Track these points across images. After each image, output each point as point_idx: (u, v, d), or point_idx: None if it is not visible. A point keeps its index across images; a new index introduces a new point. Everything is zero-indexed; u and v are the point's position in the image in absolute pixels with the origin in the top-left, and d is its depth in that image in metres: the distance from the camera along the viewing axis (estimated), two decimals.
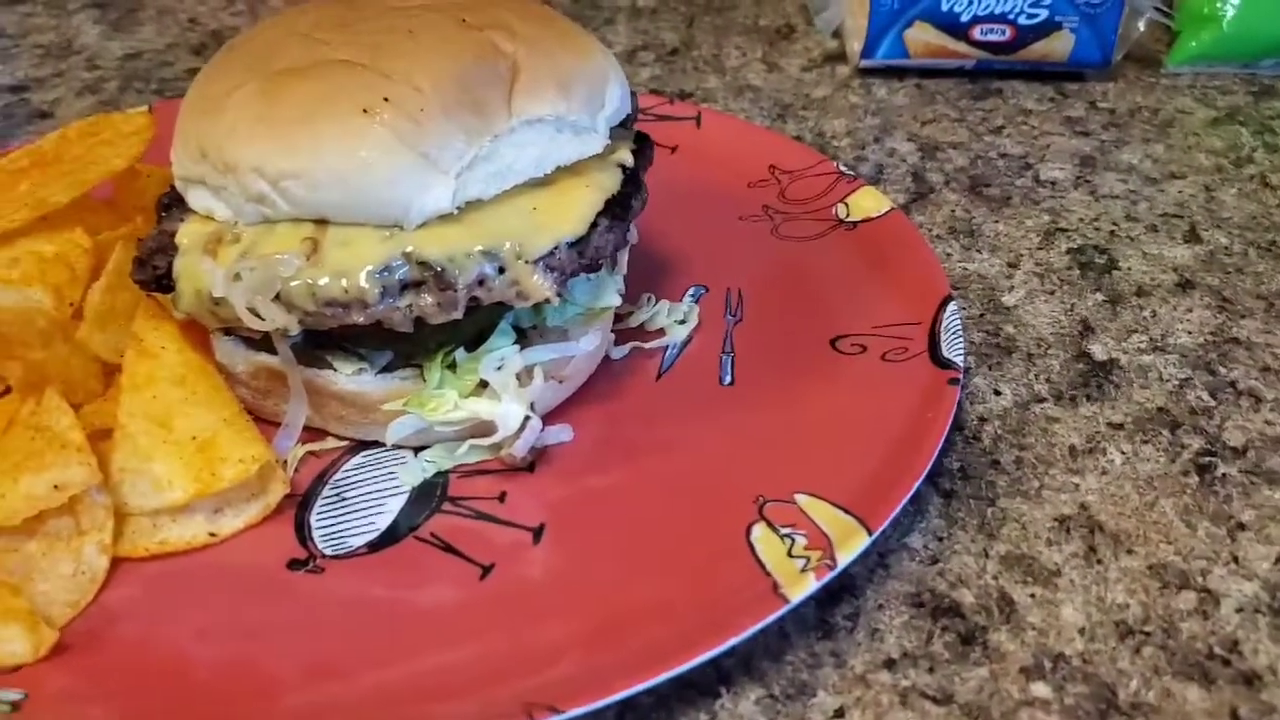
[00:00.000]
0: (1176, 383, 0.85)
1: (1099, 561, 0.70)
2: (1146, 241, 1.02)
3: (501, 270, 0.69)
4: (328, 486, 0.73)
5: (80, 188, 0.84)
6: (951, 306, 0.84)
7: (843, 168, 1.03)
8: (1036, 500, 0.74)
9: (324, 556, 0.68)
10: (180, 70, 1.35)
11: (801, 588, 0.62)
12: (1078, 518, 0.73)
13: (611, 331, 0.84)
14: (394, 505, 0.72)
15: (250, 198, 0.70)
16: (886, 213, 0.97)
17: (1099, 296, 0.95)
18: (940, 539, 0.71)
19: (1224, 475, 0.76)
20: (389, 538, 0.69)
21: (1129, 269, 0.99)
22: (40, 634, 0.61)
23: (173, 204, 0.78)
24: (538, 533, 0.70)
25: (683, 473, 0.74)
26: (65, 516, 0.67)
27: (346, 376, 0.73)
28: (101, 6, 1.52)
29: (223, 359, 0.76)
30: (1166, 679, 0.62)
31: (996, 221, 1.05)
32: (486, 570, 0.67)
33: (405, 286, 0.68)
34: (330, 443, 0.76)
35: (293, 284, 0.68)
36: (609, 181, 0.77)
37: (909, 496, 0.68)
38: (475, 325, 0.73)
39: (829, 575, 0.63)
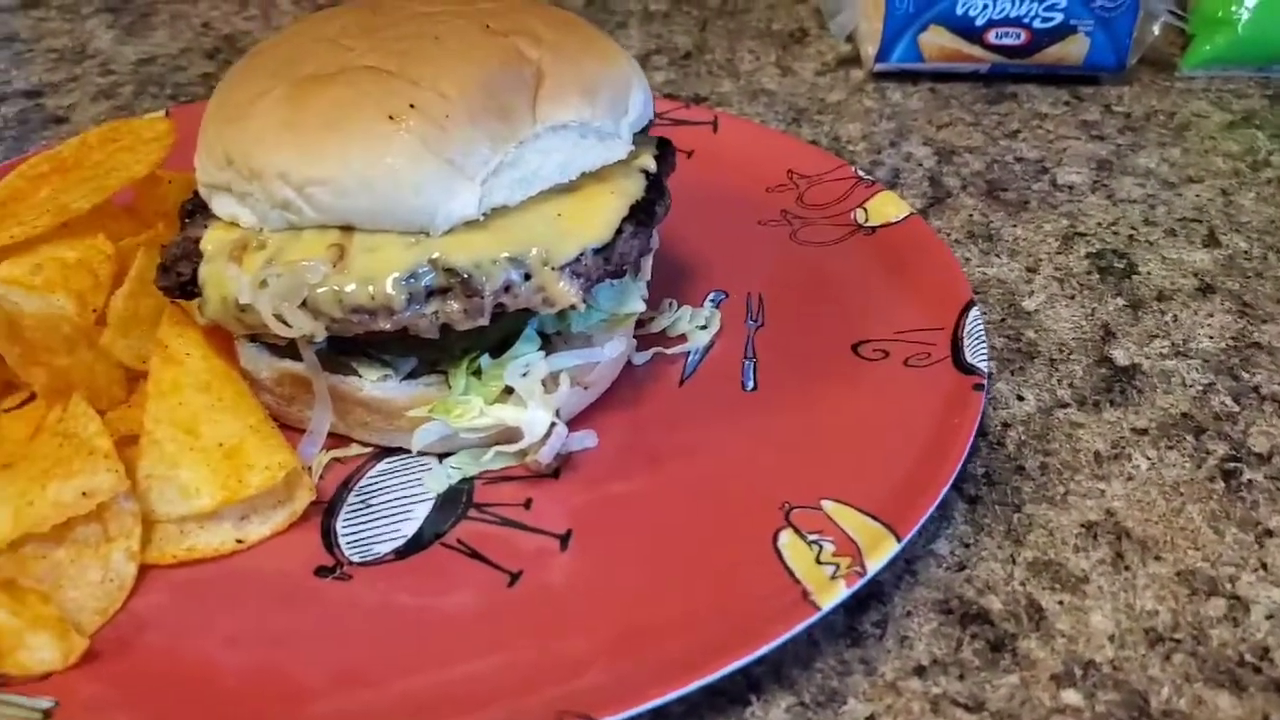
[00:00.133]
0: (1200, 388, 0.85)
1: (1127, 568, 0.70)
2: (1165, 246, 1.02)
3: (527, 277, 0.69)
4: (353, 493, 0.73)
5: (102, 194, 0.84)
6: (974, 312, 0.84)
7: (860, 172, 1.03)
8: (1062, 506, 0.74)
9: (351, 563, 0.68)
10: (194, 75, 1.35)
11: (832, 595, 0.62)
12: (1104, 524, 0.73)
13: (633, 337, 0.84)
14: (420, 512, 0.72)
15: (276, 204, 0.70)
16: (906, 218, 0.97)
17: (1119, 301, 0.95)
18: (967, 545, 0.71)
19: (1250, 481, 0.76)
20: (416, 545, 0.69)
21: (1149, 273, 0.98)
22: (70, 641, 0.61)
23: (196, 210, 0.78)
24: (564, 539, 0.70)
25: (707, 479, 0.74)
26: (93, 523, 0.67)
27: (371, 383, 0.73)
28: (115, 11, 1.53)
29: (247, 365, 0.76)
30: (1198, 686, 0.62)
31: (1014, 226, 1.05)
32: (514, 577, 0.67)
33: (431, 293, 0.68)
34: (354, 449, 0.76)
35: (319, 291, 0.68)
36: (633, 187, 0.77)
37: (937, 503, 0.68)
38: (500, 331, 0.73)
39: (859, 582, 0.63)
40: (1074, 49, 1.28)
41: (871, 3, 1.31)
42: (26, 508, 0.65)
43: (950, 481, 0.69)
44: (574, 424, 0.77)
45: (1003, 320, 0.92)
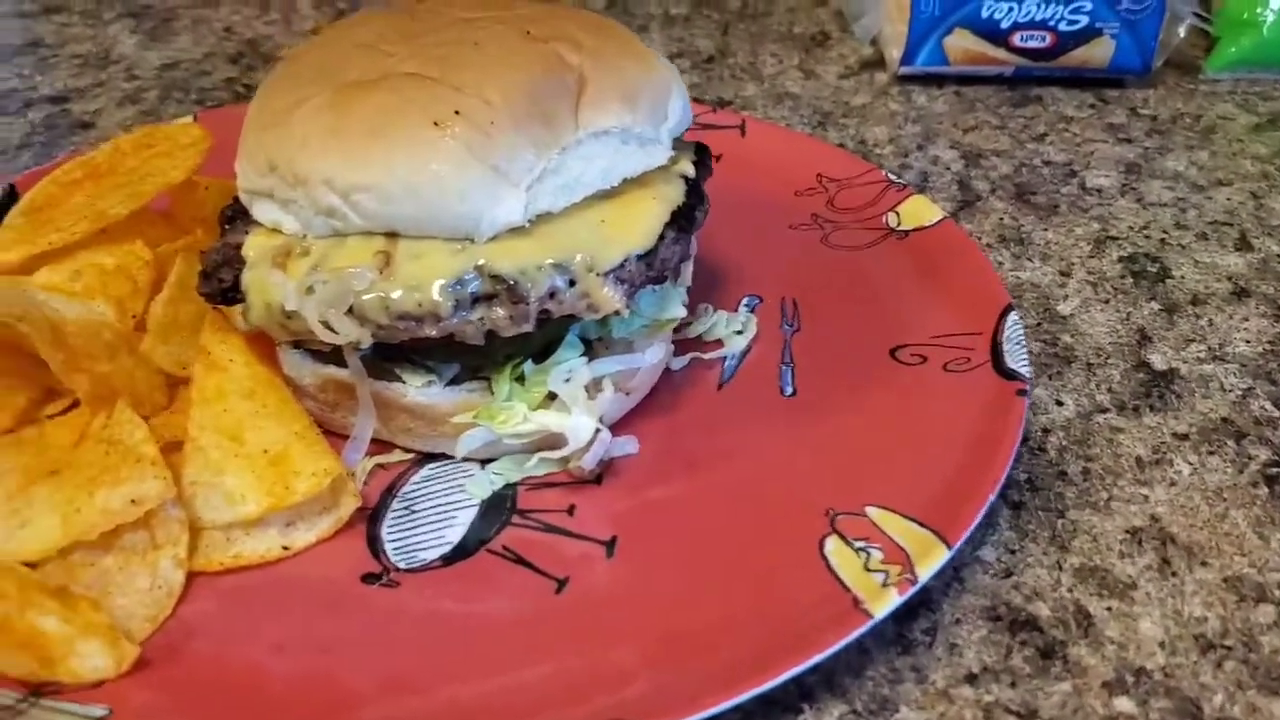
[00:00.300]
0: (1239, 393, 0.84)
1: (1173, 574, 0.70)
2: (1197, 249, 1.02)
3: (572, 283, 0.69)
4: (396, 499, 0.73)
5: (139, 200, 0.84)
6: (1012, 316, 0.84)
7: (891, 176, 1.03)
8: (1106, 512, 0.74)
9: (398, 570, 0.68)
10: (218, 80, 1.36)
11: (885, 603, 0.62)
12: (1149, 529, 0.73)
13: (670, 342, 0.84)
14: (464, 518, 0.71)
15: (320, 211, 0.70)
16: (938, 221, 0.97)
17: (1154, 305, 0.95)
18: (1012, 551, 0.71)
19: None
20: (461, 551, 0.69)
21: (1182, 277, 0.98)
22: (122, 649, 0.61)
23: (236, 216, 0.78)
24: (610, 546, 0.69)
25: (750, 485, 0.74)
26: (140, 531, 0.66)
27: (416, 389, 0.72)
28: (137, 16, 1.53)
29: (290, 371, 0.76)
30: (1251, 693, 0.62)
31: (1045, 230, 1.05)
32: (561, 584, 0.67)
33: (477, 299, 0.68)
34: (396, 455, 0.76)
35: (366, 297, 0.68)
36: (673, 193, 0.77)
37: (985, 510, 0.68)
38: (543, 338, 0.73)
39: (911, 590, 0.62)
40: (1099, 52, 1.28)
41: (895, 6, 1.31)
42: (74, 515, 0.65)
43: (998, 487, 0.69)
44: (615, 429, 0.76)
45: (1038, 325, 0.92)
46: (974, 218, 1.07)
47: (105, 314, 0.79)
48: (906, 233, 0.97)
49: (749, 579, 0.67)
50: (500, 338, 0.70)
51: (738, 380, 0.84)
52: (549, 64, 0.73)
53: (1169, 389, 0.85)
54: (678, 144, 0.80)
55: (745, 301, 0.91)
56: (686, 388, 0.83)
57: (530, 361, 0.74)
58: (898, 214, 0.99)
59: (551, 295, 0.69)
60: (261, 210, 0.74)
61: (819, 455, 0.76)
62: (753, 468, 0.75)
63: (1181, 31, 1.29)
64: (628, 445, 0.76)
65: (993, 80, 1.32)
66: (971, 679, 0.63)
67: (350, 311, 0.68)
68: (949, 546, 0.65)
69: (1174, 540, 0.72)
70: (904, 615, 0.66)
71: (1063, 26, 1.26)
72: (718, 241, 0.96)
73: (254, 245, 0.73)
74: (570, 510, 0.72)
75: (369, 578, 0.68)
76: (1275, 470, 0.77)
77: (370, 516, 0.72)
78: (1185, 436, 0.80)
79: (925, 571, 0.63)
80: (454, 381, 0.74)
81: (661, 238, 0.73)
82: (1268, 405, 0.83)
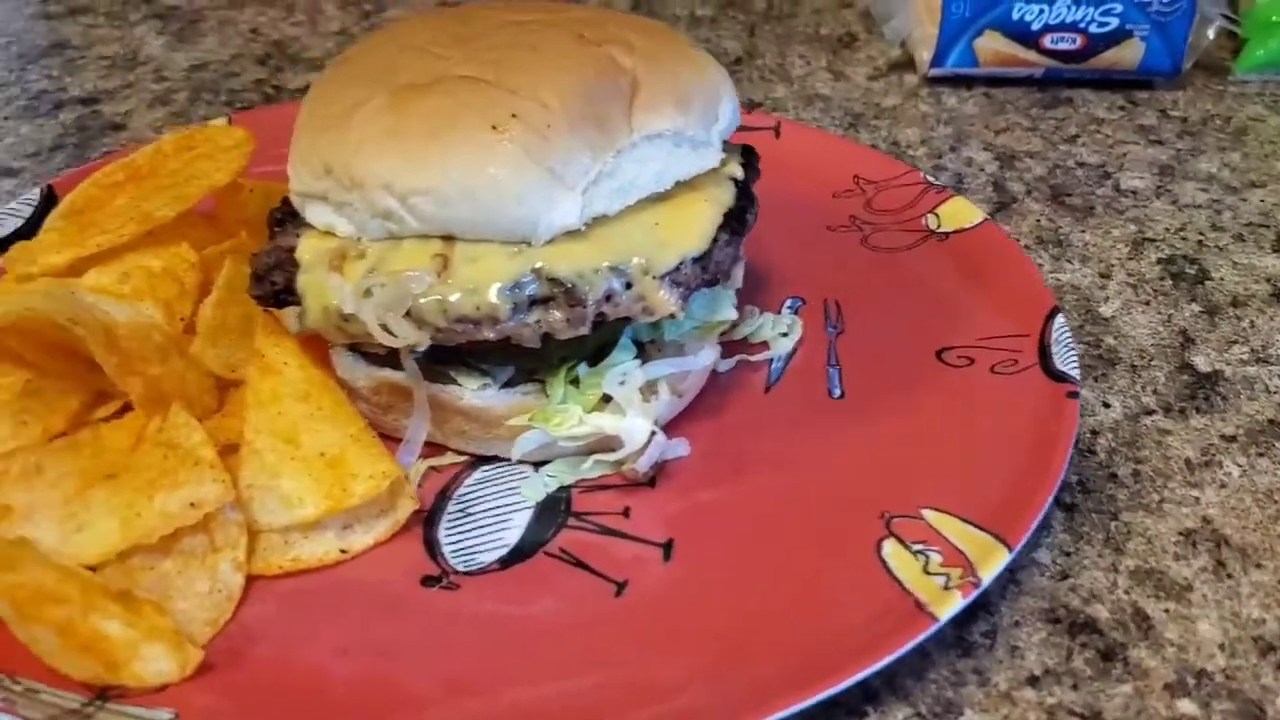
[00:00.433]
0: None
1: (1229, 576, 0.70)
2: (1235, 251, 1.02)
3: (629, 286, 0.69)
4: (452, 502, 0.73)
5: (185, 202, 0.84)
6: (1059, 318, 0.84)
7: (929, 178, 1.03)
8: (1158, 514, 0.74)
9: (457, 573, 0.68)
10: (247, 81, 1.36)
11: (948, 605, 0.62)
12: (1202, 531, 0.73)
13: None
14: (520, 521, 0.71)
15: (376, 214, 0.70)
16: (979, 223, 0.97)
17: (1195, 307, 0.95)
18: (1068, 554, 0.71)
19: None
20: (519, 553, 0.69)
21: (1221, 279, 0.98)
22: (186, 653, 0.61)
23: (285, 219, 0.78)
24: (667, 548, 0.70)
25: (803, 488, 0.74)
26: (199, 534, 0.67)
27: (471, 392, 0.72)
28: (162, 18, 1.53)
29: (343, 374, 0.76)
30: None
31: (1083, 231, 1.05)
32: (621, 587, 0.67)
33: (534, 302, 0.68)
34: (449, 458, 0.76)
35: (424, 300, 0.68)
36: (724, 195, 0.77)
37: (1044, 512, 0.68)
38: (597, 340, 0.73)
39: (975, 593, 0.62)
40: (1129, 54, 1.28)
41: (925, 8, 1.31)
42: (134, 519, 0.66)
43: (1055, 490, 0.69)
44: (665, 432, 0.76)
45: (1080, 326, 0.92)
46: (1011, 219, 1.07)
47: (154, 316, 0.79)
48: (947, 234, 0.97)
49: (807, 581, 0.67)
50: (555, 340, 0.70)
51: (785, 382, 0.84)
52: (603, 67, 0.73)
53: (1214, 391, 0.85)
54: (725, 146, 0.80)
55: (788, 304, 0.92)
56: (733, 390, 0.83)
57: (584, 364, 0.74)
58: (937, 216, 0.99)
59: (608, 298, 0.69)
60: (315, 213, 0.74)
61: (871, 458, 0.76)
62: (804, 470, 0.75)
63: (1211, 33, 1.29)
64: (679, 448, 0.76)
65: (1022, 82, 1.32)
66: (1033, 681, 0.63)
67: (408, 314, 0.68)
68: (1010, 549, 0.65)
69: (1227, 542, 0.72)
70: (963, 618, 0.66)
71: (1093, 29, 1.26)
72: (758, 243, 0.95)
73: (308, 248, 0.73)
74: (626, 512, 0.72)
75: (428, 580, 0.68)
76: None
77: (426, 519, 0.72)
78: (1233, 438, 0.80)
79: (988, 574, 0.63)
80: (508, 384, 0.74)
81: (715, 240, 0.74)
82: None
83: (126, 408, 0.76)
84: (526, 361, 0.73)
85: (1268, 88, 1.32)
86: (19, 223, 0.98)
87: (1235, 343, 0.90)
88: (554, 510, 0.72)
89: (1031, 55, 1.29)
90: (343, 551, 0.69)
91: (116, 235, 0.82)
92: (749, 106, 1.26)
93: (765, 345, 0.87)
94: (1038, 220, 1.07)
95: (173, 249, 0.84)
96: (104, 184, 0.91)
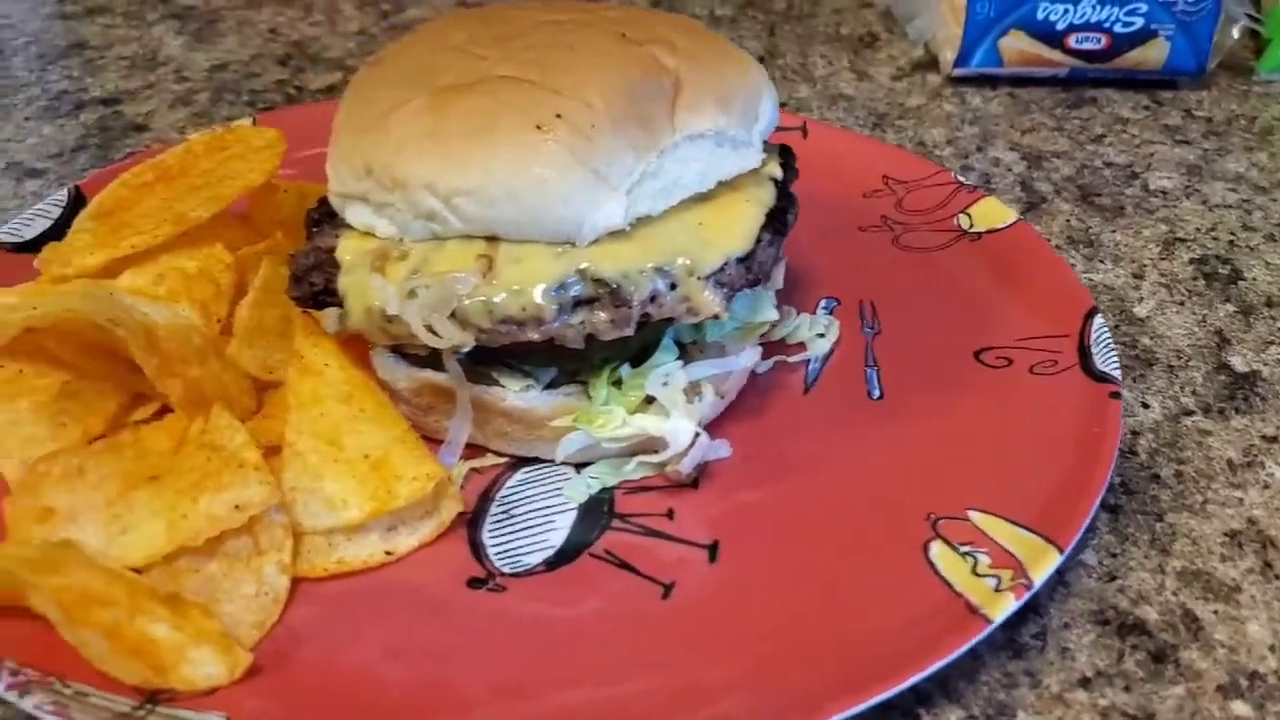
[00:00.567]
0: None
1: (1276, 577, 0.69)
2: (1267, 251, 1.02)
3: (673, 286, 0.69)
4: (494, 504, 0.73)
5: (220, 203, 0.84)
6: (1098, 319, 0.83)
7: (959, 178, 1.03)
8: (1203, 515, 0.74)
9: (503, 575, 0.68)
10: (269, 81, 1.35)
11: (1002, 608, 0.61)
12: (1247, 532, 0.72)
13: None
14: (563, 522, 0.71)
15: (419, 214, 0.69)
16: (1012, 224, 0.96)
17: (1229, 307, 0.94)
18: (1114, 555, 0.71)
19: None
20: (564, 555, 0.69)
21: (1254, 279, 0.98)
22: (235, 656, 0.61)
23: (323, 220, 0.77)
24: (712, 550, 0.69)
25: (846, 489, 0.74)
26: (244, 536, 0.66)
27: (514, 393, 0.72)
28: (180, 18, 1.52)
29: (384, 375, 0.75)
30: None
31: (1114, 231, 1.05)
32: (668, 589, 0.67)
33: (579, 303, 0.68)
34: (490, 459, 0.76)
35: (468, 301, 0.67)
36: (765, 195, 0.76)
37: (1093, 514, 0.67)
38: (639, 341, 0.73)
39: (1027, 595, 0.62)
40: (1154, 53, 1.28)
41: (949, 8, 1.31)
42: (180, 521, 0.65)
43: (1102, 491, 0.69)
44: (707, 433, 0.76)
45: (1116, 327, 0.92)
46: (1041, 219, 1.07)
47: (191, 318, 0.79)
48: (979, 235, 0.97)
49: (853, 583, 0.67)
50: (598, 341, 0.70)
51: (823, 383, 0.83)
52: (646, 67, 0.73)
53: (1253, 391, 0.85)
54: (764, 146, 0.80)
55: (823, 304, 0.91)
56: (772, 391, 0.83)
57: (627, 365, 0.73)
58: (969, 216, 0.99)
59: (653, 299, 0.69)
60: (355, 214, 0.73)
61: (913, 459, 0.75)
62: (846, 471, 0.75)
63: (1235, 33, 1.29)
64: (721, 449, 0.75)
65: (1046, 82, 1.32)
66: (1085, 683, 0.63)
67: (453, 316, 0.68)
68: (1060, 551, 0.65)
69: (1273, 543, 0.72)
70: (1013, 620, 0.65)
71: (1118, 28, 1.26)
72: (790, 244, 0.94)
73: (349, 249, 0.72)
74: (669, 514, 0.72)
75: (474, 582, 0.67)
76: None
77: (469, 521, 0.71)
78: (1274, 439, 0.80)
79: (1040, 576, 0.63)
80: (551, 385, 0.73)
81: (758, 240, 0.73)
82: None
83: (164, 410, 0.76)
84: (568, 363, 0.73)
85: None
86: (48, 223, 0.97)
87: (1272, 343, 0.90)
88: (597, 512, 0.72)
89: (1056, 55, 1.28)
90: (388, 554, 0.68)
91: (151, 236, 0.82)
92: None
93: (802, 346, 0.86)
94: (1068, 220, 1.07)
95: (207, 250, 0.83)
96: (133, 185, 0.91)
